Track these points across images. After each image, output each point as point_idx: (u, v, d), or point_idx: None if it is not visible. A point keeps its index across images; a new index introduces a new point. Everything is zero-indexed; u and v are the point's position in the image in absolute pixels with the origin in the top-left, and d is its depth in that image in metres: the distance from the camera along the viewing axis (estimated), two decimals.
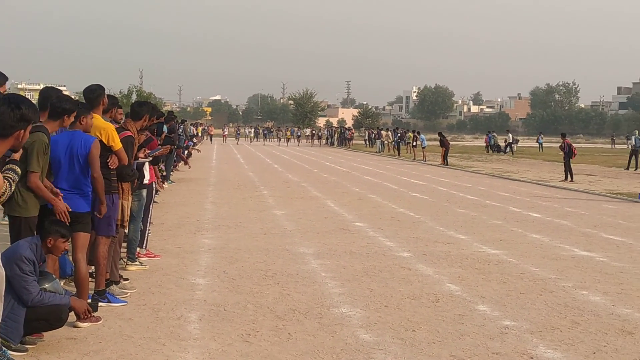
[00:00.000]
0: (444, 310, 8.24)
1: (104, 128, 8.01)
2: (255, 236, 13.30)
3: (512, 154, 58.34)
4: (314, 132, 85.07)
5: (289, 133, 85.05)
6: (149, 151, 10.26)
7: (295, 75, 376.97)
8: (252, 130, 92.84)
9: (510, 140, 61.49)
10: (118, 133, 8.30)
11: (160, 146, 11.48)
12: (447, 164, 40.99)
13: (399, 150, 54.34)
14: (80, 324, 7.08)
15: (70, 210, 7.15)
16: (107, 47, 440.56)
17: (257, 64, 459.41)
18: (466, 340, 7.09)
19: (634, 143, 40.30)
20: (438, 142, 44.04)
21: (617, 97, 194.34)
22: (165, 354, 6.45)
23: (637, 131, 44.41)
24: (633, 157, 39.60)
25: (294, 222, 15.35)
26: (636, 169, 38.39)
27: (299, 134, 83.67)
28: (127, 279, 9.26)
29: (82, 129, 7.58)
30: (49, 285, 6.49)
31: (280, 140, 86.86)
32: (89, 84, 8.27)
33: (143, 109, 9.44)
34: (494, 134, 65.39)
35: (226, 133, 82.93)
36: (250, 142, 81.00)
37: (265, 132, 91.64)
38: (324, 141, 79.69)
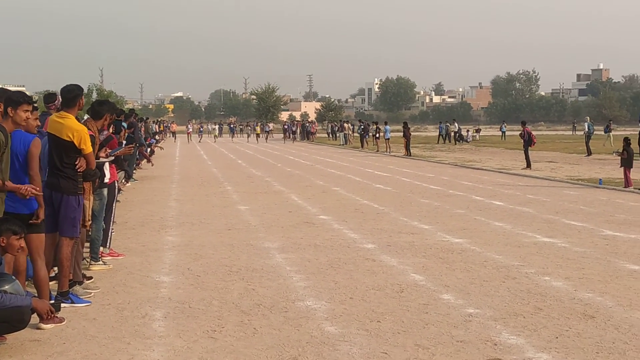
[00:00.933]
0: (409, 300, 8.30)
1: (77, 130, 7.91)
2: (220, 232, 13.28)
3: (460, 142, 59.21)
4: (285, 126, 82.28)
5: (258, 128, 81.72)
6: (109, 150, 10.19)
7: (257, 70, 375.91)
8: (217, 126, 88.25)
9: (456, 129, 62.08)
10: None
11: (123, 143, 11.40)
12: (410, 155, 41.20)
13: (362, 142, 54.43)
14: (43, 325, 7.03)
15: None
16: (66, 43, 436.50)
17: (218, 58, 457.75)
18: (430, 329, 7.15)
19: (586, 129, 40.95)
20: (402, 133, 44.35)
21: (576, 84, 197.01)
22: (130, 353, 6.42)
23: (588, 117, 45.36)
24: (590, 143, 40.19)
25: (258, 216, 15.34)
26: (590, 154, 38.88)
27: (266, 129, 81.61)
28: (90, 278, 9.21)
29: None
30: (9, 287, 6.43)
31: (249, 136, 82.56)
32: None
33: (103, 108, 9.35)
34: (447, 123, 66.03)
35: (190, 130, 76.11)
36: (215, 140, 74.77)
37: (231, 127, 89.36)
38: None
